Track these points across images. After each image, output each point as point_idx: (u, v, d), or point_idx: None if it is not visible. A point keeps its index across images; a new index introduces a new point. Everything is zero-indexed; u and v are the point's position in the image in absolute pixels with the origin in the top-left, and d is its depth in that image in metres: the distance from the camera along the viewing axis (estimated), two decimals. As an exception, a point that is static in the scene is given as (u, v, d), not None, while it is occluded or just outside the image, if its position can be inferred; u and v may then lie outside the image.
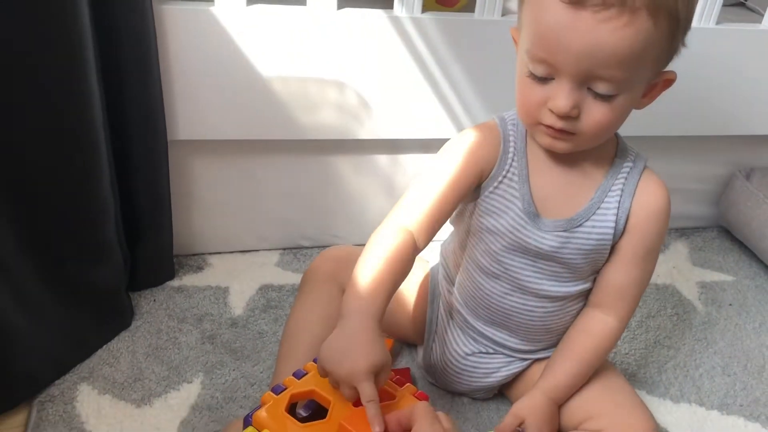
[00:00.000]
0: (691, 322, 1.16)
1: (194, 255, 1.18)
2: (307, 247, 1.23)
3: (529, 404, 0.82)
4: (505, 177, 0.81)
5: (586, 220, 0.81)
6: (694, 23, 1.15)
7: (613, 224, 0.81)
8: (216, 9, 0.96)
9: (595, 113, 0.70)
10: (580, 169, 0.81)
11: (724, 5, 1.16)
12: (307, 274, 0.95)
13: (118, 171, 0.99)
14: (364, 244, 0.80)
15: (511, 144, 0.81)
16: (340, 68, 1.04)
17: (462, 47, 1.06)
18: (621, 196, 0.80)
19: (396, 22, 1.03)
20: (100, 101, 0.90)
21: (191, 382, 0.94)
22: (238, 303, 1.09)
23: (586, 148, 0.76)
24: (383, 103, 1.09)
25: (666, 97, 1.19)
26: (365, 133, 1.10)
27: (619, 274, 0.83)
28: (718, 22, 1.17)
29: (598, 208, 0.80)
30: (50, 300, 0.92)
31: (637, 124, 1.21)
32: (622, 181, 0.80)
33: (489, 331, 0.89)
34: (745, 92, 1.25)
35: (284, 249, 1.23)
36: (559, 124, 0.71)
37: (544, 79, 0.70)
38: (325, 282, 0.92)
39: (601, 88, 0.68)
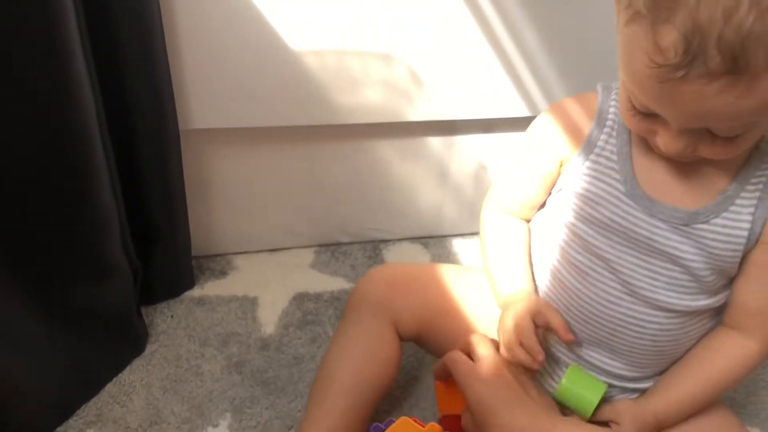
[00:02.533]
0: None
1: (217, 256, 1.02)
2: (346, 243, 1.07)
3: (631, 414, 0.69)
4: (599, 155, 0.68)
5: (716, 217, 0.65)
6: None
7: (749, 226, 0.65)
8: (233, -31, 0.77)
9: (714, 150, 0.59)
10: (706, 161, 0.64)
11: None
12: (352, 298, 0.79)
13: (125, 170, 0.83)
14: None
15: (610, 118, 0.68)
16: (385, 38, 0.85)
17: (538, 7, 0.85)
18: (764, 191, 0.65)
19: (455, -21, 0.82)
20: (92, 92, 0.72)
21: (217, 426, 0.79)
22: (269, 318, 0.93)
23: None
24: (437, 78, 0.89)
25: None
26: (416, 114, 0.92)
27: (758, 293, 0.67)
28: None
29: (732, 204, 0.65)
30: (46, 332, 0.77)
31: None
32: (765, 180, 0.64)
33: (587, 353, 0.72)
34: None
35: (320, 246, 1.06)
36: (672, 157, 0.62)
37: (650, 115, 0.59)
38: (375, 311, 0.76)
39: (722, 132, 0.56)
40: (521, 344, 0.68)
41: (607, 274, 0.68)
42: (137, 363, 0.86)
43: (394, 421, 0.69)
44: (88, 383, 0.82)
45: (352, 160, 0.98)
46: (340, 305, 0.95)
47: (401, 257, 1.06)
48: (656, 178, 0.66)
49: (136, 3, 0.72)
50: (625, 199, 0.66)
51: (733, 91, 0.50)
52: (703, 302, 0.68)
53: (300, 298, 0.97)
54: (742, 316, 0.69)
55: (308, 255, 1.05)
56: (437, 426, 0.69)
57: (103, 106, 0.77)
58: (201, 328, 0.91)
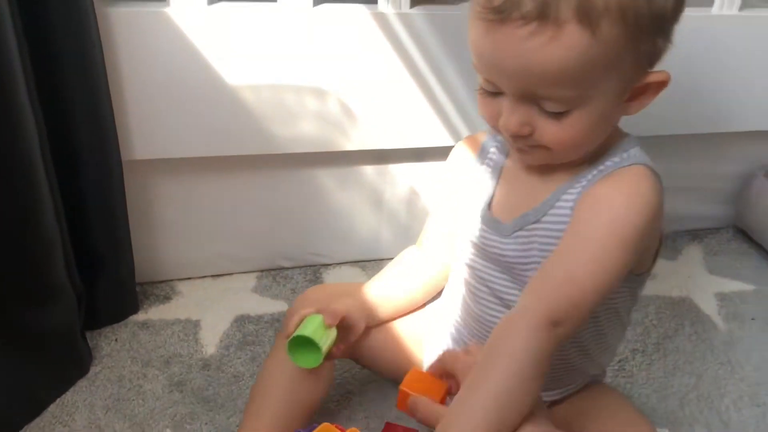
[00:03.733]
0: (711, 342, 1.06)
1: (161, 282, 1.06)
2: (287, 268, 1.11)
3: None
4: (474, 187, 0.75)
5: (544, 215, 0.69)
6: (715, 10, 1.04)
7: (569, 212, 0.68)
8: (172, 10, 0.83)
9: (548, 130, 0.63)
10: (551, 172, 0.70)
11: (747, -11, 1.04)
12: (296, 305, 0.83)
13: (68, 198, 0.87)
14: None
15: (490, 155, 0.76)
16: (319, 73, 0.91)
17: (457, 45, 0.93)
18: (586, 183, 0.68)
19: (381, 19, 0.90)
20: (35, 123, 0.76)
21: (157, 441, 0.82)
22: (210, 339, 0.97)
23: (563, 161, 0.67)
24: (369, 111, 0.96)
25: (678, 90, 1.08)
26: (350, 144, 0.98)
27: (558, 263, 0.64)
28: (741, 8, 1.05)
29: (557, 201, 0.69)
30: (-11, 353, 0.80)
31: (647, 123, 1.10)
32: (595, 172, 0.68)
33: None
34: (765, 84, 1.13)
35: (262, 271, 1.11)
36: (512, 141, 0.66)
37: (494, 94, 0.64)
38: None
39: (549, 105, 0.61)
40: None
41: (487, 291, 0.74)
42: (81, 384, 0.89)
43: (316, 427, 0.73)
44: (32, 404, 0.84)
45: (291, 188, 1.04)
46: (280, 326, 0.99)
47: (340, 280, 1.11)
48: (508, 200, 0.73)
49: (78, 38, 0.78)
50: (481, 224, 0.73)
51: (542, 34, 0.56)
52: None
53: (241, 320, 1.01)
54: (537, 289, 0.64)
55: (250, 280, 1.09)
56: (357, 430, 0.72)
57: (48, 138, 0.81)
58: (144, 350, 0.94)
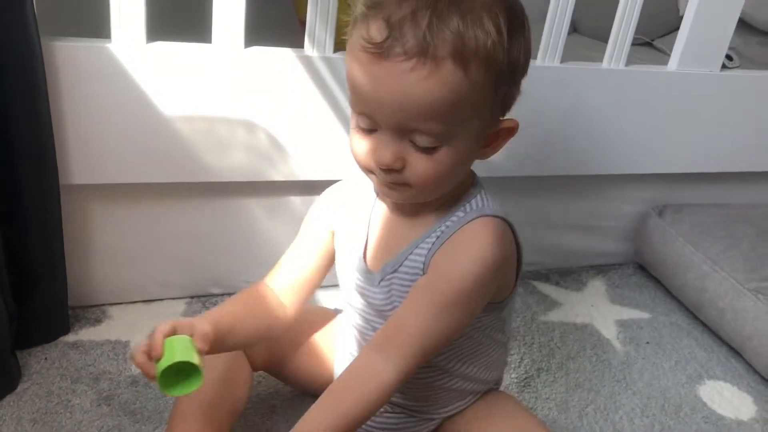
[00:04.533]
0: (610, 362, 1.15)
1: (92, 306, 1.10)
2: (217, 295, 1.17)
3: None
4: (346, 227, 0.81)
5: (400, 265, 0.76)
6: (605, 65, 1.18)
7: (421, 266, 0.74)
8: (113, 46, 0.90)
9: (419, 165, 0.68)
10: (416, 218, 0.76)
11: (631, 45, 1.18)
12: None
13: (5, 218, 0.91)
14: None
15: (359, 195, 0.81)
16: (249, 108, 1.00)
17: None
18: (434, 244, 0.74)
19: (307, 61, 0.99)
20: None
21: (83, 451, 0.86)
22: (139, 358, 1.01)
23: (424, 200, 0.73)
24: (296, 143, 1.04)
25: (580, 135, 1.21)
26: (278, 174, 1.06)
27: (401, 311, 0.72)
28: (627, 64, 1.19)
29: (411, 253, 0.75)
30: None
31: (554, 163, 1.23)
32: (441, 230, 0.74)
33: None
34: (657, 132, 1.27)
35: (192, 297, 1.16)
36: (384, 176, 0.69)
37: (369, 131, 0.69)
38: None
39: (421, 140, 0.66)
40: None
41: (371, 329, 0.80)
42: (9, 399, 0.91)
43: None
44: (-42, 416, 0.86)
45: (222, 217, 1.10)
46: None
47: (268, 307, 1.16)
48: (377, 250, 0.78)
49: (24, 66, 0.83)
50: (357, 273, 0.79)
51: (422, 69, 0.62)
52: None
53: (170, 342, 1.05)
54: (384, 334, 0.70)
55: (180, 305, 1.14)
56: None
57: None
58: (74, 368, 0.98)
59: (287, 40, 1.01)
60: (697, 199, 1.42)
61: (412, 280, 0.75)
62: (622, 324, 1.26)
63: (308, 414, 0.66)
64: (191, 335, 0.69)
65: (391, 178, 0.69)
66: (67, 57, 0.89)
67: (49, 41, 0.87)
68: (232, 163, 1.03)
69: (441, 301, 0.70)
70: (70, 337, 1.03)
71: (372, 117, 0.67)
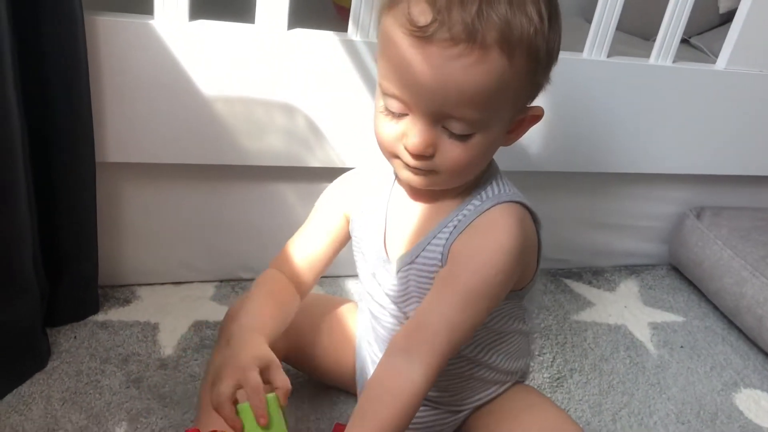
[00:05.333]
0: (644, 365, 1.13)
1: (122, 286, 1.08)
2: (246, 280, 1.15)
3: None
4: (363, 215, 0.78)
5: (417, 256, 0.74)
6: (651, 61, 1.15)
7: (439, 257, 0.72)
8: (156, 22, 0.88)
9: (451, 152, 0.66)
10: (434, 205, 0.74)
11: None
12: (226, 318, 0.87)
13: (39, 194, 0.90)
14: None
15: (376, 181, 0.79)
16: (289, 91, 0.98)
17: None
18: (452, 233, 0.72)
19: (350, 45, 0.97)
20: (18, 117, 0.80)
21: (112, 433, 0.85)
22: (168, 341, 1.00)
23: (448, 186, 0.71)
24: (334, 129, 1.02)
25: (620, 131, 1.18)
26: (315, 160, 1.04)
27: (425, 307, 0.69)
28: (674, 61, 1.16)
29: (428, 244, 0.73)
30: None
31: (590, 160, 1.20)
32: (460, 218, 0.72)
33: None
34: (697, 131, 1.24)
35: (221, 281, 1.14)
36: (413, 162, 0.67)
37: (399, 115, 0.66)
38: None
39: (456, 127, 0.64)
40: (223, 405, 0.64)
41: (388, 314, 0.79)
42: (38, 377, 0.90)
43: None
44: (-13, 392, 0.85)
45: (255, 201, 1.09)
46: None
47: (297, 294, 1.15)
48: (394, 240, 0.76)
49: (66, 41, 0.82)
50: (376, 261, 0.77)
51: (469, 56, 0.60)
52: None
53: (199, 326, 1.04)
54: (407, 334, 0.68)
55: (210, 289, 1.12)
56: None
57: (27, 134, 0.85)
58: (103, 348, 0.97)
59: (322, 25, 0.99)
60: (737, 202, 1.39)
61: (429, 271, 0.73)
62: (655, 327, 1.23)
63: None
64: (274, 388, 0.66)
65: (419, 164, 0.67)
66: (109, 32, 0.87)
67: (92, 15, 0.85)
68: (269, 147, 1.01)
69: (464, 292, 0.68)
70: (100, 317, 1.02)
71: (405, 101, 0.64)
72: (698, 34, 1.76)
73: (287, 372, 0.69)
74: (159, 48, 0.89)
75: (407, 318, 0.76)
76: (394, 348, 0.67)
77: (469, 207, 0.72)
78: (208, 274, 1.13)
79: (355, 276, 1.18)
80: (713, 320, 1.28)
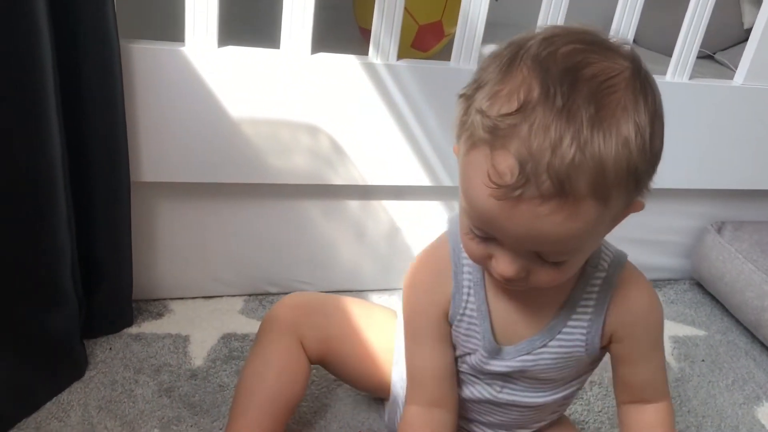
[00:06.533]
0: (664, 378, 1.14)
1: (155, 300, 1.13)
2: (273, 294, 1.19)
3: None
4: (463, 315, 0.75)
5: (551, 340, 0.74)
6: (668, 77, 1.17)
7: (583, 342, 0.74)
8: (187, 49, 0.94)
9: (545, 275, 0.63)
10: (543, 293, 0.71)
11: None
12: (264, 322, 0.90)
13: (78, 211, 0.95)
14: (335, 292, 0.79)
15: (465, 275, 0.74)
16: (312, 113, 1.02)
17: (437, 95, 1.04)
18: (593, 313, 0.73)
19: (370, 68, 1.01)
20: (60, 139, 0.86)
21: (145, 439, 0.89)
22: (198, 353, 1.04)
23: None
24: (356, 149, 1.06)
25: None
26: (337, 178, 1.08)
27: (638, 373, 0.77)
28: (691, 77, 1.18)
29: (564, 326, 0.73)
30: (-5, 348, 0.86)
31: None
32: (594, 296, 0.72)
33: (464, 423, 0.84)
34: (717, 147, 1.25)
35: (249, 295, 1.18)
36: (505, 283, 0.65)
37: (486, 238, 0.63)
38: (284, 332, 0.88)
39: (549, 257, 0.61)
40: None
41: (493, 400, 0.80)
42: (76, 386, 0.95)
43: None
44: (29, 399, 0.90)
45: (281, 218, 1.13)
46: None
47: (322, 308, 1.18)
48: (506, 323, 0.74)
49: (103, 67, 0.87)
50: (482, 351, 0.75)
51: (561, 212, 0.55)
52: (565, 393, 0.80)
53: (227, 338, 1.08)
54: (638, 392, 0.77)
55: (238, 303, 1.17)
56: None
57: (67, 154, 0.90)
58: (136, 359, 1.01)
59: (347, 47, 1.03)
60: (758, 216, 1.39)
61: (570, 346, 0.74)
62: (677, 340, 1.24)
63: None
64: None
65: (512, 285, 0.65)
66: (143, 59, 0.92)
67: (127, 43, 0.91)
68: (294, 166, 1.05)
69: (656, 348, 0.77)
70: (133, 329, 1.07)
71: (494, 237, 0.61)
72: (723, 49, 1.77)
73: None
74: (189, 73, 0.94)
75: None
76: (627, 403, 0.79)
77: (596, 281, 0.72)
78: (236, 289, 1.17)
79: (381, 290, 1.23)
80: (736, 334, 1.28)
